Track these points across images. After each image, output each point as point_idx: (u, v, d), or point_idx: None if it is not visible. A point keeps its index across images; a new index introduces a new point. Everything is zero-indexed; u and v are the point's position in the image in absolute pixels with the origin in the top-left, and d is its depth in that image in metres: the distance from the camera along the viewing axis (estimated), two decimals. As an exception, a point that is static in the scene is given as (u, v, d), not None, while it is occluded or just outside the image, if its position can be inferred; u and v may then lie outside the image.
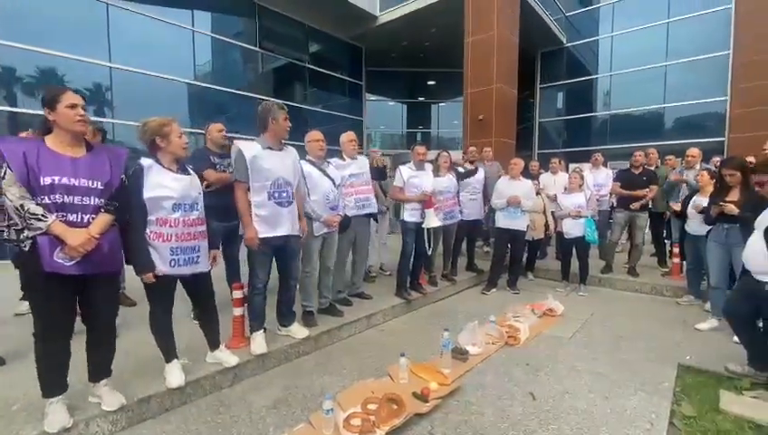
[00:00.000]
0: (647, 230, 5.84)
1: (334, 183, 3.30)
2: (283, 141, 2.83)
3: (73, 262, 1.75)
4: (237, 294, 2.87)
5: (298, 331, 3.03)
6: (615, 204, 5.57)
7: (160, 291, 2.21)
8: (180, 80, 9.59)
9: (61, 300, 1.82)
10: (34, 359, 1.86)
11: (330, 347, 3.21)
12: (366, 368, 2.82)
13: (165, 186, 2.12)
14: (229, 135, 3.64)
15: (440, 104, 16.56)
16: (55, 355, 1.87)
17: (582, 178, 4.99)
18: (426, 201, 3.95)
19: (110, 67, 8.39)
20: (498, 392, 2.49)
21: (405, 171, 4.04)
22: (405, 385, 2.49)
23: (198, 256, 2.27)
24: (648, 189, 4.93)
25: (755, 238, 2.50)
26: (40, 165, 1.69)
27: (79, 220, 1.77)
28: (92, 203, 1.80)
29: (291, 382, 2.60)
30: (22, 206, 1.65)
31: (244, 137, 2.87)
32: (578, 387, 2.55)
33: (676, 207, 4.41)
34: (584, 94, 14.02)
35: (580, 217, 4.64)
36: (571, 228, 4.73)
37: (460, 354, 2.91)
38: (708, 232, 3.56)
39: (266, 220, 2.68)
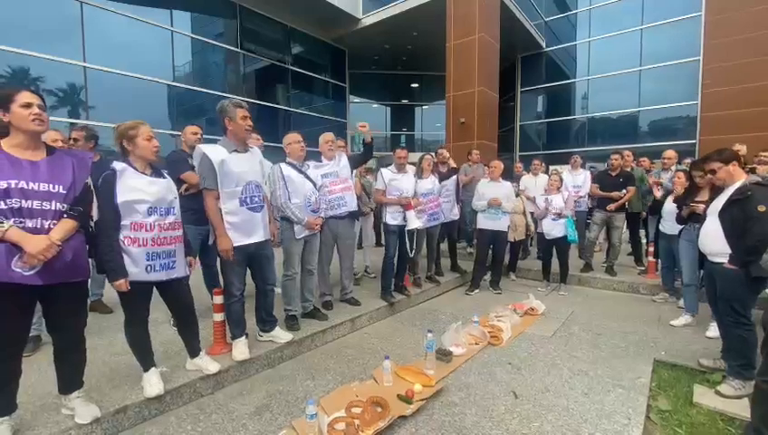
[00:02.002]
0: (624, 230, 6.02)
1: (315, 185, 3.27)
2: (247, 142, 2.74)
3: (33, 271, 1.66)
4: (218, 299, 2.81)
5: (281, 335, 2.99)
6: (592, 205, 5.71)
7: (135, 299, 2.13)
8: (159, 81, 9.39)
9: (15, 313, 1.72)
10: None
11: (313, 351, 3.18)
12: (350, 371, 2.81)
13: (139, 189, 2.06)
14: (207, 137, 3.58)
15: (423, 107, 16.71)
16: (4, 372, 1.76)
17: (561, 179, 5.10)
18: (406, 205, 3.96)
19: (85, 67, 8.15)
20: (481, 392, 2.51)
21: (386, 174, 4.06)
22: (389, 388, 2.48)
23: (174, 262, 2.21)
24: (624, 191, 5.07)
25: (709, 222, 2.63)
26: None
27: (39, 226, 1.68)
28: (53, 208, 1.72)
29: (274, 388, 2.57)
30: None
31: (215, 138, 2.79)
32: (558, 384, 2.60)
33: (658, 193, 4.48)
34: (563, 98, 14.39)
35: (560, 217, 4.75)
36: (551, 229, 4.83)
37: (444, 355, 2.93)
38: (680, 231, 3.70)
39: (239, 227, 2.60)
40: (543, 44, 14.17)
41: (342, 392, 2.44)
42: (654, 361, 2.91)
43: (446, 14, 10.13)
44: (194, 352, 2.49)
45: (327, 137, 3.62)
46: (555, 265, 5.02)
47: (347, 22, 12.18)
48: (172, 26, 9.64)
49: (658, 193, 4.54)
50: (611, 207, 5.07)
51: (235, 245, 2.57)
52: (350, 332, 3.57)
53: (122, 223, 2.03)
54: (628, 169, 5.55)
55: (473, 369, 2.85)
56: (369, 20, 12.11)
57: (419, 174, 4.54)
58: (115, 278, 2.01)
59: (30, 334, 2.55)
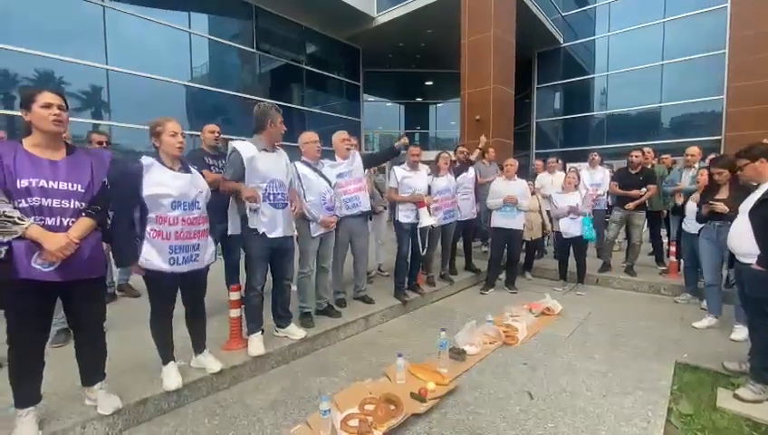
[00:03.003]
0: (645, 229, 5.87)
1: (330, 184, 3.30)
2: (277, 142, 2.83)
3: (52, 268, 1.71)
4: (234, 295, 2.87)
5: (295, 331, 3.03)
6: (611, 203, 5.57)
7: (161, 291, 2.21)
8: (177, 82, 9.59)
9: (37, 308, 1.78)
10: (8, 367, 1.83)
11: (327, 348, 3.20)
12: (363, 369, 2.82)
13: (163, 184, 2.11)
14: (225, 136, 3.65)
15: (438, 105, 16.61)
16: (28, 363, 1.83)
17: (579, 177, 5.00)
18: (419, 202, 3.95)
19: (107, 69, 8.39)
20: (496, 392, 2.49)
21: (399, 172, 4.06)
22: (402, 386, 2.48)
23: (198, 255, 2.26)
24: (644, 189, 4.94)
25: (739, 221, 2.54)
26: (16, 167, 1.66)
27: (58, 224, 1.73)
28: (72, 206, 1.77)
29: (288, 383, 2.60)
30: None
31: (240, 138, 2.85)
32: (575, 386, 2.55)
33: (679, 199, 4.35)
34: (581, 94, 14.08)
35: (577, 214, 4.65)
36: (568, 228, 4.74)
37: (458, 354, 2.91)
38: (700, 230, 3.59)
39: (263, 223, 2.67)
40: (561, 40, 13.89)
41: (356, 389, 2.45)
42: (675, 363, 2.83)
43: (461, 10, 10.03)
44: (198, 348, 2.52)
45: (342, 135, 3.65)
46: (573, 264, 4.93)
47: (361, 20, 12.19)
48: (190, 28, 9.83)
49: (680, 199, 4.43)
50: (631, 205, 4.94)
51: (262, 232, 2.66)
52: (363, 329, 3.58)
53: (148, 216, 2.09)
54: (649, 167, 5.40)
55: (487, 368, 2.82)
56: (383, 18, 12.10)
57: (435, 172, 4.53)
58: (125, 263, 2.08)
59: (59, 328, 2.69)
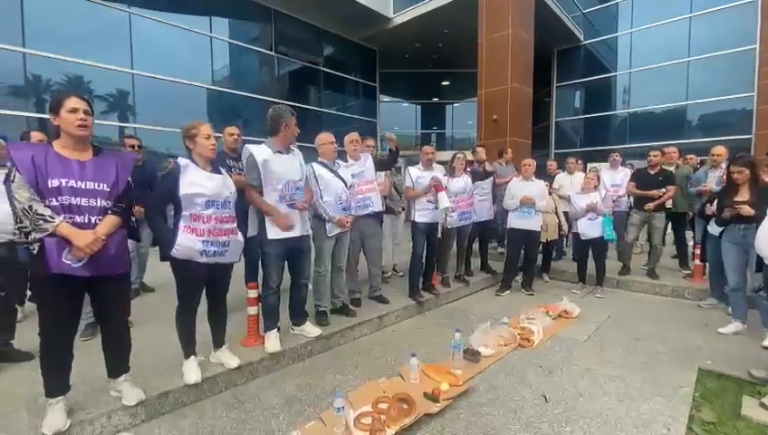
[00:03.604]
0: (668, 231, 5.69)
1: (346, 184, 3.34)
2: (291, 144, 2.88)
3: (81, 263, 1.80)
4: (252, 293, 2.94)
5: (311, 330, 3.08)
6: (632, 204, 5.43)
7: (190, 282, 2.32)
8: (199, 84, 9.85)
9: (66, 301, 1.88)
10: (39, 358, 1.92)
11: (342, 346, 3.24)
12: (377, 368, 2.85)
13: (198, 184, 2.21)
14: (244, 138, 3.74)
15: (454, 105, 16.51)
16: (58, 354, 1.92)
17: (599, 178, 4.89)
18: (436, 186, 3.94)
19: (132, 74, 8.68)
20: (510, 394, 2.47)
21: (413, 172, 4.09)
22: (416, 385, 2.49)
23: (226, 251, 2.35)
24: (663, 190, 4.82)
25: (766, 224, 2.44)
26: (47, 168, 1.75)
27: (86, 222, 1.82)
28: (99, 205, 1.86)
29: (303, 380, 2.65)
30: (30, 207, 1.70)
31: (259, 140, 2.93)
32: (592, 390, 2.51)
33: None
34: (602, 92, 13.76)
35: (596, 213, 4.55)
36: (587, 229, 4.64)
37: (472, 356, 2.90)
38: (722, 232, 3.47)
39: (275, 229, 2.73)
40: (581, 37, 13.60)
41: (370, 388, 2.48)
42: (699, 369, 2.75)
43: (479, 9, 9.95)
44: (218, 343, 2.60)
45: (351, 137, 3.69)
46: (591, 267, 4.83)
47: (378, 21, 12.24)
48: (211, 32, 10.08)
49: (706, 192, 4.27)
50: (650, 205, 4.81)
51: (273, 238, 2.72)
52: (377, 329, 3.60)
53: (182, 214, 2.20)
54: (672, 168, 5.25)
55: (501, 370, 2.80)
56: (400, 19, 12.11)
57: (451, 173, 4.51)
58: (168, 248, 2.18)
59: (87, 322, 2.81)
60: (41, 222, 1.71)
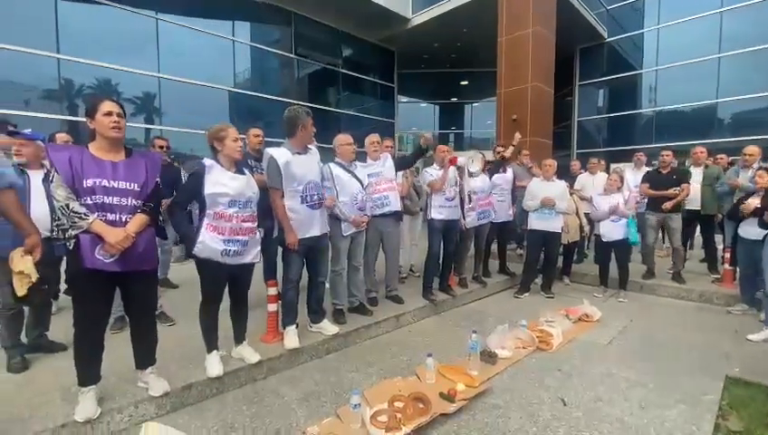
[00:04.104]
0: (697, 234, 5.50)
1: (362, 184, 3.37)
2: (308, 145, 2.94)
3: (112, 259, 1.90)
4: (272, 290, 3.02)
5: (328, 327, 3.13)
6: (645, 206, 5.27)
7: (213, 280, 2.41)
8: (221, 87, 10.10)
9: (99, 295, 1.98)
10: (73, 350, 2.04)
11: (359, 345, 3.28)
12: (393, 367, 2.87)
13: (222, 184, 2.29)
14: (267, 139, 3.83)
15: (473, 105, 16.37)
16: (90, 345, 2.03)
17: (622, 179, 4.77)
18: (450, 160, 3.98)
19: (159, 77, 8.99)
20: (527, 397, 2.45)
21: (430, 171, 4.10)
22: (432, 385, 2.50)
23: (246, 250, 2.43)
24: (678, 189, 4.69)
25: None
26: (83, 168, 1.85)
27: (117, 220, 1.91)
28: (130, 203, 1.95)
29: (321, 377, 2.69)
30: (67, 205, 1.81)
31: (279, 141, 3.00)
32: (612, 395, 2.46)
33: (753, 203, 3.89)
34: (627, 91, 13.36)
35: (619, 215, 4.44)
36: (610, 231, 4.54)
37: (489, 357, 2.88)
38: (765, 236, 3.33)
39: (300, 223, 2.80)
40: (605, 35, 13.25)
41: (386, 386, 2.50)
42: (726, 377, 2.65)
43: (498, 8, 9.83)
44: (239, 339, 2.68)
45: (372, 138, 3.73)
46: (614, 270, 4.71)
47: (396, 22, 12.26)
48: (233, 36, 10.32)
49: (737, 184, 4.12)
50: (668, 205, 4.67)
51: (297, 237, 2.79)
52: (394, 328, 3.62)
53: (206, 212, 2.28)
54: (702, 167, 5.08)
55: (519, 373, 2.78)
56: (418, 19, 12.10)
57: (470, 172, 4.49)
58: (191, 244, 2.28)
59: (117, 315, 2.94)
60: (76, 220, 1.81)
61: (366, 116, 13.71)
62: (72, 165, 1.84)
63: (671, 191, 4.69)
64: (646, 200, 5.42)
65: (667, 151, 4.93)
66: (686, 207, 5.03)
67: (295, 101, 10.82)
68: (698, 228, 5.40)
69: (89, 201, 1.86)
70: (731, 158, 5.97)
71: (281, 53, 11.37)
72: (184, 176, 4.14)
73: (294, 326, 2.94)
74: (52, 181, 1.84)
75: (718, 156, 5.87)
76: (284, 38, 11.41)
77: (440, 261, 4.22)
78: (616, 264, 4.66)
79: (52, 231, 1.92)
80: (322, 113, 12.38)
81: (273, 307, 3.00)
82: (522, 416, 2.24)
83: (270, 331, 2.99)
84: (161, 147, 4.09)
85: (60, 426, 1.93)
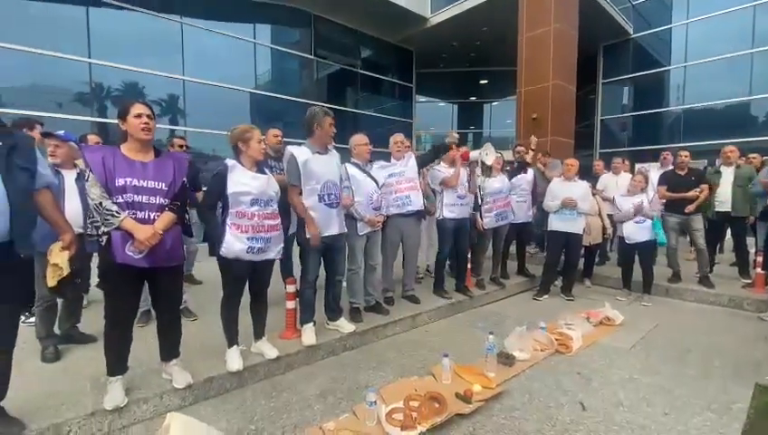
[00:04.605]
0: (728, 236, 5.30)
1: (377, 184, 3.40)
2: (328, 145, 2.98)
3: (141, 255, 1.98)
4: (290, 288, 3.07)
5: (345, 325, 3.17)
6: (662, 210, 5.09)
7: (235, 277, 2.48)
8: (243, 89, 10.32)
9: (129, 289, 2.08)
10: (103, 341, 2.14)
11: (375, 344, 3.30)
12: (409, 366, 2.87)
13: (244, 183, 2.36)
14: (286, 140, 3.90)
15: (493, 104, 16.17)
16: (119, 337, 2.12)
17: (647, 179, 4.63)
18: (462, 155, 3.97)
19: (184, 80, 9.26)
20: (545, 399, 2.42)
21: (440, 169, 4.07)
22: (448, 385, 2.49)
23: (269, 247, 2.49)
24: (698, 189, 4.57)
25: None
26: (115, 168, 1.95)
27: (147, 217, 2.00)
28: (158, 202, 2.03)
29: (337, 374, 2.73)
30: (101, 204, 1.90)
31: (298, 141, 3.06)
32: (634, 400, 2.40)
33: None
34: (653, 88, 12.93)
35: (644, 216, 4.32)
36: (634, 233, 4.41)
37: (506, 359, 2.85)
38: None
39: (318, 222, 2.84)
40: (630, 31, 12.87)
41: (402, 385, 2.51)
42: (756, 385, 2.54)
43: (519, 5, 9.68)
44: (258, 334, 2.74)
45: (396, 138, 3.75)
46: (638, 273, 4.57)
47: (415, 22, 12.24)
48: (255, 39, 10.53)
49: None
50: (690, 208, 4.53)
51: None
52: (410, 328, 3.63)
53: (230, 211, 2.35)
54: (731, 168, 4.89)
55: (537, 375, 2.74)
56: (437, 18, 12.04)
57: (488, 173, 4.46)
58: (217, 245, 2.35)
59: (143, 309, 3.05)
60: (109, 217, 1.90)
61: (384, 116, 13.74)
62: (105, 165, 1.93)
63: (691, 193, 4.55)
64: (663, 201, 5.27)
65: (684, 152, 4.81)
66: (716, 209, 4.86)
67: (314, 102, 10.94)
68: (729, 231, 5.20)
69: (120, 199, 1.95)
70: (764, 157, 5.72)
71: (300, 54, 11.52)
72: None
73: (312, 324, 2.99)
74: (87, 180, 1.93)
75: (751, 155, 5.62)
76: (304, 40, 11.56)
77: (456, 260, 4.20)
78: (640, 266, 4.53)
79: (86, 228, 2.02)
80: (341, 114, 12.48)
81: (291, 304, 3.05)
82: (539, 419, 2.21)
83: (288, 327, 3.05)
84: (180, 146, 4.19)
85: (90, 414, 2.03)
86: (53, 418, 1.97)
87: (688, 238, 4.90)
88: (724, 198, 4.79)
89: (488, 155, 4.09)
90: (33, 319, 2.83)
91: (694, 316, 4.07)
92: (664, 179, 4.89)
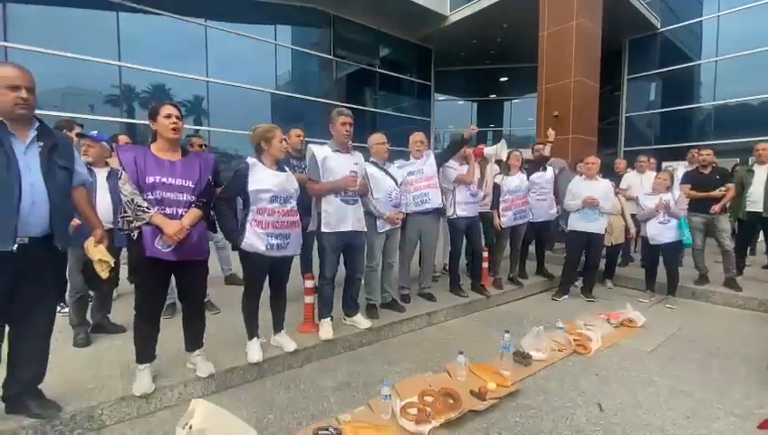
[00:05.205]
0: (760, 239, 5.08)
1: (396, 182, 3.43)
2: (350, 144, 3.04)
3: (170, 249, 2.08)
4: (309, 283, 3.16)
5: (362, 321, 3.22)
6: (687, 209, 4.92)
7: (256, 272, 2.57)
8: (264, 90, 10.53)
9: (157, 281, 2.20)
10: (133, 330, 2.26)
11: (390, 340, 3.34)
12: (424, 362, 2.90)
13: (265, 181, 2.45)
14: (307, 139, 3.98)
15: (513, 101, 15.93)
16: (148, 326, 2.24)
17: (672, 178, 4.49)
18: (475, 152, 3.98)
19: (207, 81, 9.53)
20: (561, 399, 2.40)
21: (452, 166, 4.05)
22: (462, 383, 2.51)
23: (288, 243, 2.57)
24: (723, 188, 4.42)
25: None
26: (146, 167, 2.05)
27: (174, 213, 2.10)
28: (185, 199, 2.13)
29: (354, 368, 2.78)
30: (132, 200, 2.01)
31: (318, 141, 3.15)
32: (654, 403, 2.36)
33: None
34: (682, 84, 12.46)
35: (669, 215, 4.19)
36: (658, 233, 4.29)
37: (522, 358, 2.84)
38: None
39: (333, 216, 2.91)
40: (658, 24, 12.43)
41: (416, 380, 2.54)
42: (785, 392, 2.46)
43: (540, 1, 9.51)
44: (277, 328, 2.83)
45: (416, 137, 3.79)
46: (663, 275, 4.44)
47: (434, 20, 12.19)
48: (275, 40, 10.73)
49: None
50: (716, 208, 4.38)
51: (326, 231, 2.91)
52: (426, 326, 3.65)
53: (251, 208, 2.44)
54: (765, 167, 4.69)
55: (553, 375, 2.72)
56: (456, 16, 11.96)
57: (506, 171, 4.43)
58: (235, 239, 2.43)
59: (168, 302, 3.19)
60: (140, 213, 2.02)
61: (402, 115, 13.75)
62: (136, 164, 2.04)
63: (717, 192, 4.40)
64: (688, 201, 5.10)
65: (706, 150, 4.69)
66: (747, 209, 4.67)
67: (333, 102, 11.08)
68: (761, 233, 4.99)
69: (150, 196, 2.05)
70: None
71: (320, 54, 11.66)
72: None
73: (329, 319, 3.05)
74: (120, 178, 2.05)
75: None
76: (324, 40, 11.69)
77: (465, 261, 4.21)
78: (664, 268, 4.40)
79: (116, 223, 2.13)
80: (359, 113, 12.56)
81: (309, 299, 3.13)
82: (554, 418, 2.20)
83: (306, 322, 3.12)
84: (200, 145, 4.26)
85: (120, 398, 2.15)
86: (86, 401, 2.09)
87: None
88: (756, 198, 4.60)
89: (502, 151, 4.07)
90: (66, 309, 2.99)
91: (720, 320, 3.94)
92: (687, 178, 4.76)
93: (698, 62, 12.11)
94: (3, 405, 1.93)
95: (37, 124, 1.84)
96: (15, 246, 1.71)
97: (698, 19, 12.06)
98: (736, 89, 11.30)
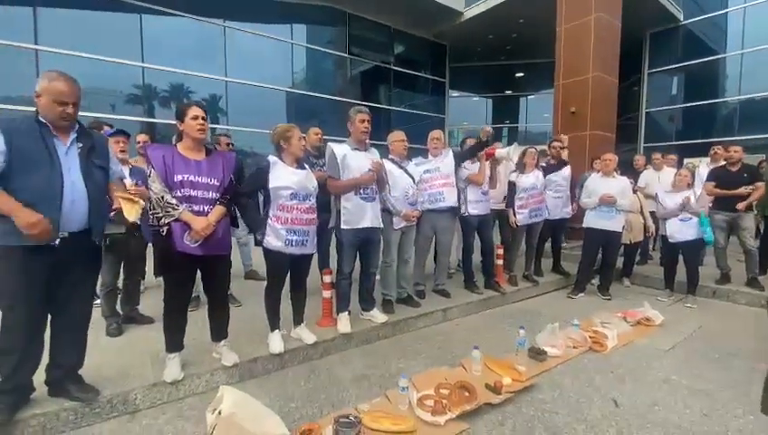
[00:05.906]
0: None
1: (413, 180, 3.48)
2: (367, 142, 3.10)
3: (197, 244, 2.19)
4: (327, 278, 3.25)
5: (378, 316, 3.30)
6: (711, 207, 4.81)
7: (277, 267, 2.67)
8: (281, 88, 10.68)
9: (185, 274, 2.31)
10: (162, 322, 2.38)
11: (406, 334, 3.40)
12: (440, 357, 2.95)
13: (284, 178, 2.54)
14: (325, 138, 4.06)
15: (529, 97, 15.74)
16: (177, 318, 2.36)
17: (693, 175, 4.41)
18: (487, 152, 3.99)
19: (226, 81, 9.72)
20: (576, 395, 2.42)
21: (465, 165, 4.04)
22: (477, 377, 2.56)
23: (307, 240, 2.66)
24: (751, 187, 4.30)
25: None
26: (174, 165, 2.16)
27: (201, 210, 2.21)
28: (210, 196, 2.24)
29: (371, 361, 2.86)
30: (162, 197, 2.11)
31: (336, 138, 3.22)
32: (671, 401, 2.36)
33: None
34: (706, 78, 12.09)
35: (690, 212, 4.13)
36: (678, 231, 4.23)
37: (537, 354, 2.87)
38: None
39: (352, 213, 2.99)
40: (680, 17, 12.08)
41: (433, 374, 2.60)
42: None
43: (557, -5, 9.37)
44: (297, 321, 2.93)
45: (434, 134, 3.84)
46: (682, 273, 4.38)
47: (449, 16, 12.13)
48: (292, 39, 10.85)
49: None
50: (741, 206, 4.29)
51: (346, 227, 2.99)
52: (441, 321, 3.70)
53: (271, 204, 2.54)
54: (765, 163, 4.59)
55: (568, 372, 2.74)
56: (471, 12, 11.87)
57: (522, 169, 4.43)
58: (259, 228, 2.53)
59: (193, 295, 3.32)
60: (169, 209, 2.12)
61: (416, 112, 13.74)
62: (165, 162, 2.15)
63: (743, 190, 4.31)
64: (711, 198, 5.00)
65: (735, 147, 4.54)
66: None
67: (348, 100, 11.15)
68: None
69: (178, 194, 2.16)
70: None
71: (335, 53, 11.74)
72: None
73: (347, 313, 3.14)
74: (149, 176, 2.16)
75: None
76: (339, 38, 11.77)
77: (481, 258, 4.23)
78: (685, 266, 4.34)
79: (148, 219, 2.25)
80: (374, 111, 12.53)
81: (327, 294, 3.22)
82: (569, 413, 2.23)
83: (325, 315, 3.22)
84: (228, 144, 4.42)
85: (152, 385, 2.27)
86: (121, 386, 2.22)
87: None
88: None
89: (514, 155, 4.07)
90: (98, 301, 3.15)
91: (742, 320, 3.87)
92: (713, 176, 4.63)
93: (723, 56, 11.73)
94: (46, 389, 2.07)
95: (77, 126, 1.96)
96: (58, 240, 1.83)
97: (724, 11, 11.68)
98: (763, 83, 10.91)
